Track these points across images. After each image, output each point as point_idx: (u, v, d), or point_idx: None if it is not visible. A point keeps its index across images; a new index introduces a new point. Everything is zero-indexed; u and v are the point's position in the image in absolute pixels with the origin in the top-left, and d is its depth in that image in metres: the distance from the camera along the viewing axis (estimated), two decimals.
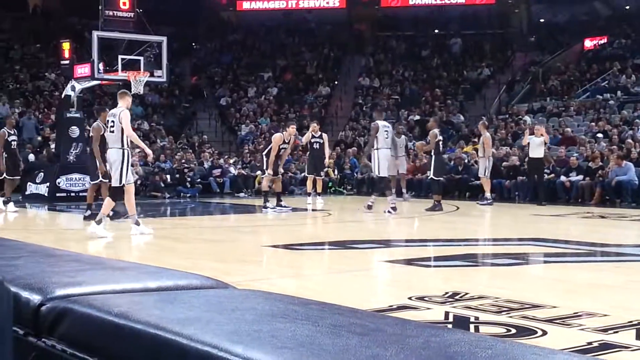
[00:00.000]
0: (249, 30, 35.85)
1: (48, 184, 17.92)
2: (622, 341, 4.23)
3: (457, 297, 5.56)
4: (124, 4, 17.53)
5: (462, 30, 34.14)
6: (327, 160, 17.61)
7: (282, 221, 13.86)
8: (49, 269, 3.06)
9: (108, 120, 10.49)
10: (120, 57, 17.01)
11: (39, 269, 3.07)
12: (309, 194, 16.96)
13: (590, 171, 17.61)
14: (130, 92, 13.11)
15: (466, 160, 20.23)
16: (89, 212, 12.34)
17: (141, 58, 17.02)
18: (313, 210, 15.89)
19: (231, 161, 23.24)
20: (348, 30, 35.91)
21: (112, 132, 10.24)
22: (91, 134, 12.79)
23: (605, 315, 4.89)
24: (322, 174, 17.38)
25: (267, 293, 2.81)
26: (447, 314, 4.96)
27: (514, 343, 2.06)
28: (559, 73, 28.40)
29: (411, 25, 35.11)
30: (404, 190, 18.14)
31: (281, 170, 15.62)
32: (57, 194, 17.60)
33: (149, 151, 11.64)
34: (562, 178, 17.81)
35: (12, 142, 15.00)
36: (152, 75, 17.27)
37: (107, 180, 12.25)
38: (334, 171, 22.45)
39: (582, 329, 4.53)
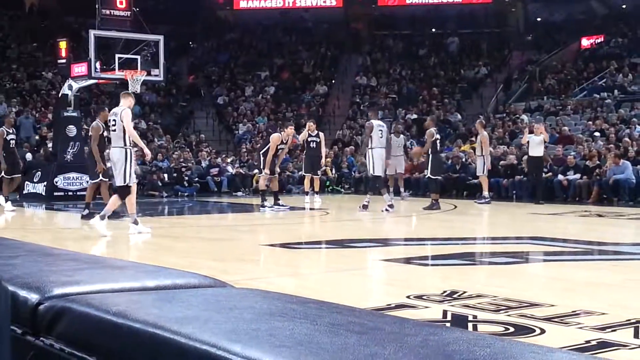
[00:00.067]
0: (246, 29, 35.82)
1: (45, 183, 17.91)
2: (620, 339, 4.23)
3: (455, 296, 5.56)
4: (121, 2, 17.51)
5: (459, 29, 34.15)
6: (324, 160, 17.63)
7: (280, 220, 13.87)
8: (47, 268, 3.05)
9: (110, 120, 10.53)
10: (117, 56, 17.01)
11: (36, 268, 3.06)
12: (307, 193, 16.95)
13: (588, 170, 17.63)
14: (128, 91, 13.11)
15: (463, 159, 20.25)
16: (87, 211, 12.33)
17: (138, 57, 17.03)
18: (311, 209, 15.87)
19: (229, 160, 23.24)
20: (345, 29, 35.89)
21: (114, 130, 10.27)
22: (90, 133, 12.80)
23: (603, 313, 4.89)
24: (320, 172, 17.39)
25: (265, 292, 2.80)
26: (445, 312, 4.95)
27: (512, 341, 2.06)
28: (556, 72, 28.41)
29: (408, 24, 35.12)
30: (402, 189, 18.18)
31: (277, 169, 15.65)
32: (55, 193, 17.60)
33: (147, 151, 11.61)
34: (560, 177, 17.83)
35: (11, 141, 15.01)
36: (149, 74, 17.28)
37: (107, 180, 12.27)
38: (331, 170, 22.45)
39: (580, 328, 4.53)
